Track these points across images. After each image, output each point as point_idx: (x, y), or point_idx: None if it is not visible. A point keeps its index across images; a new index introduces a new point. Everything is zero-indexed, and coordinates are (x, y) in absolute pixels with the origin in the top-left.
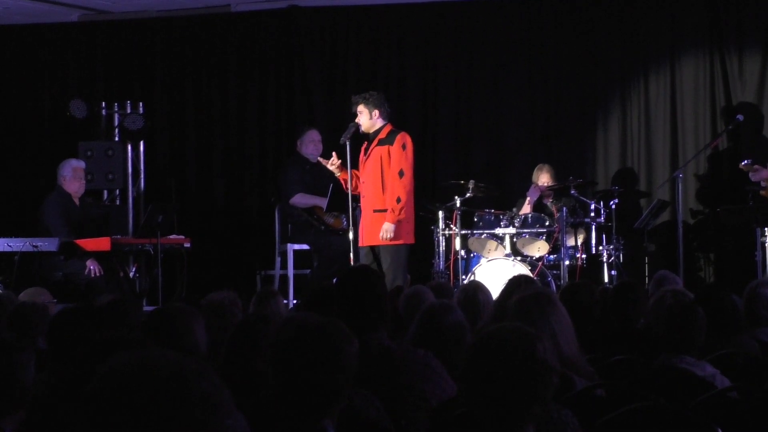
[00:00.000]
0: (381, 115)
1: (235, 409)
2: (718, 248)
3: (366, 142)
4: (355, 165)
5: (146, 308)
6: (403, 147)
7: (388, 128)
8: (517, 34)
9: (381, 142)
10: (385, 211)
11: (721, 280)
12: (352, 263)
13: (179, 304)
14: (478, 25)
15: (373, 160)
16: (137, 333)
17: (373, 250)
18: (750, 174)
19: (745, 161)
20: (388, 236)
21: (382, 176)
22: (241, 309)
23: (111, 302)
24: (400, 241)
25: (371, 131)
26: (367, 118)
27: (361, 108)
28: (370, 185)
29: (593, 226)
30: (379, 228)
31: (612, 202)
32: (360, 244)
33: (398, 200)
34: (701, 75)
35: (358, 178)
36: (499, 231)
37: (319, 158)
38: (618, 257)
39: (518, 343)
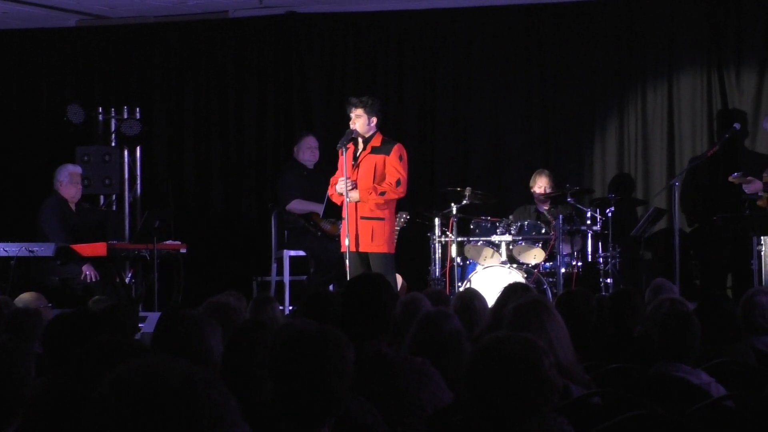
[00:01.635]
0: (377, 123)
1: (242, 419)
2: (714, 256)
3: (352, 147)
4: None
5: (141, 314)
6: (400, 158)
7: (380, 137)
8: (516, 41)
9: (375, 151)
10: (373, 218)
11: (717, 288)
12: (348, 270)
13: (196, 311)
14: (476, 32)
15: (366, 167)
16: (133, 338)
17: (362, 256)
18: (744, 186)
19: (735, 174)
20: (345, 192)
21: (373, 184)
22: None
23: (107, 308)
24: (385, 249)
25: (365, 137)
26: (364, 123)
27: (359, 112)
28: (360, 192)
29: (589, 234)
30: (365, 235)
31: (608, 210)
32: (352, 249)
33: (382, 194)
34: (699, 83)
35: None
36: (495, 238)
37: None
38: (614, 265)
39: (526, 355)
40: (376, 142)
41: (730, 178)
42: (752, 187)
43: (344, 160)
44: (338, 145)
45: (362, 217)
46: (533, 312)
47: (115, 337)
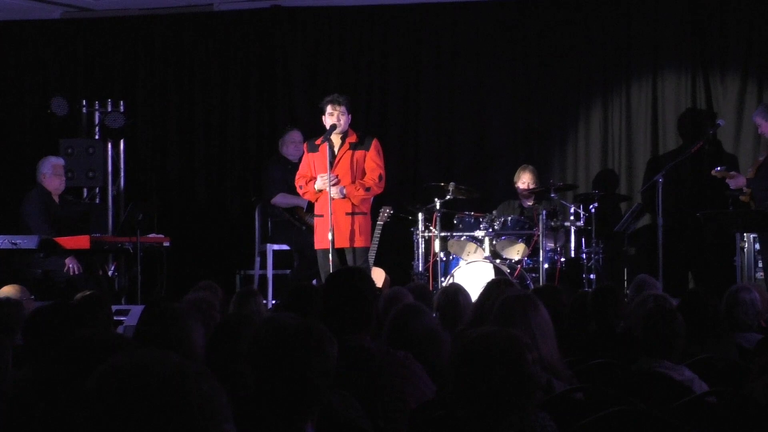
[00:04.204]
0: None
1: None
2: (697, 253)
3: (325, 144)
4: (323, 168)
5: (123, 306)
6: (379, 153)
7: (353, 132)
8: (500, 36)
9: (354, 146)
10: (359, 213)
11: (700, 284)
12: (331, 264)
13: (179, 304)
14: (461, 27)
15: (347, 163)
16: (110, 330)
17: (342, 252)
18: (728, 181)
19: (718, 168)
20: (333, 190)
21: (358, 180)
22: (219, 309)
23: (81, 299)
24: (367, 244)
25: (340, 132)
26: (347, 121)
27: (344, 109)
28: (346, 188)
29: (573, 230)
30: (355, 229)
31: (592, 206)
32: (336, 246)
33: (368, 189)
34: (683, 81)
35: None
36: (478, 233)
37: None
38: (598, 260)
39: (508, 350)
40: (353, 138)
41: (713, 172)
42: (736, 182)
43: (327, 156)
44: (323, 139)
45: (347, 213)
46: (519, 306)
47: (93, 329)
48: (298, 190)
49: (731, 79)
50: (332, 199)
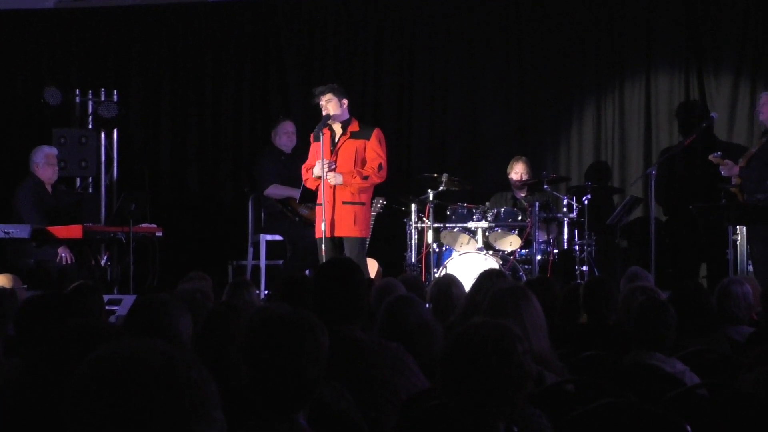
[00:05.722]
0: (348, 105)
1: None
2: (689, 246)
3: (328, 133)
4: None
5: (116, 296)
6: (380, 142)
7: (356, 122)
8: (495, 28)
9: (354, 135)
10: (355, 203)
11: (692, 277)
12: (324, 255)
13: (165, 294)
14: (455, 18)
15: (347, 152)
16: (101, 320)
17: (336, 241)
18: (721, 168)
19: (716, 153)
20: (330, 176)
21: (356, 168)
22: (213, 300)
23: (72, 289)
24: (364, 234)
25: (339, 121)
26: (337, 105)
27: (329, 96)
28: (343, 176)
29: (566, 222)
30: (347, 220)
31: (585, 198)
32: (327, 235)
33: (366, 177)
34: (677, 74)
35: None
36: (471, 225)
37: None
38: (590, 253)
39: (499, 341)
40: (354, 127)
41: (710, 157)
42: (729, 170)
43: (321, 145)
44: (315, 130)
45: (344, 202)
46: (512, 298)
47: (85, 319)
48: (304, 180)
49: (725, 73)
50: (331, 186)
